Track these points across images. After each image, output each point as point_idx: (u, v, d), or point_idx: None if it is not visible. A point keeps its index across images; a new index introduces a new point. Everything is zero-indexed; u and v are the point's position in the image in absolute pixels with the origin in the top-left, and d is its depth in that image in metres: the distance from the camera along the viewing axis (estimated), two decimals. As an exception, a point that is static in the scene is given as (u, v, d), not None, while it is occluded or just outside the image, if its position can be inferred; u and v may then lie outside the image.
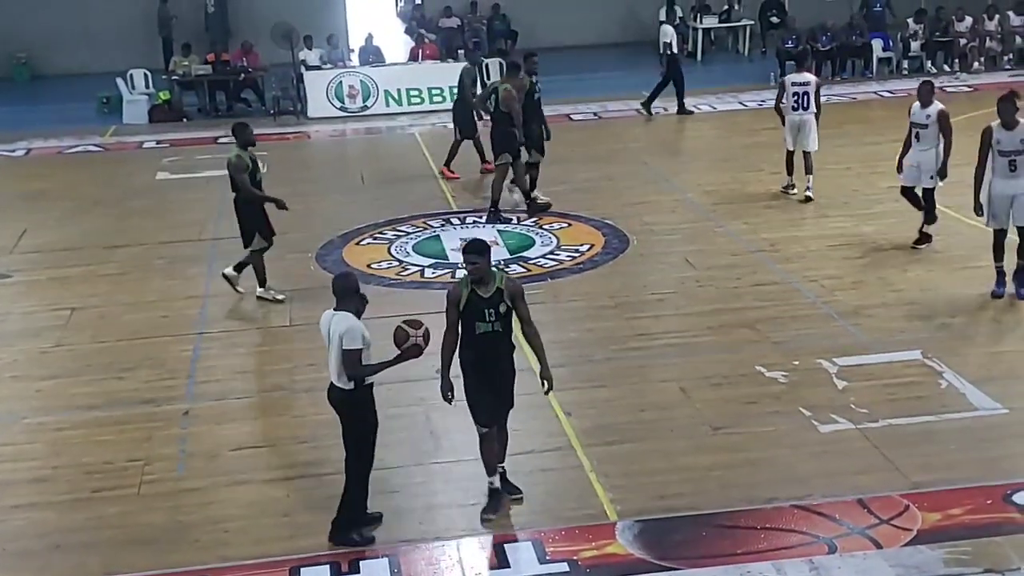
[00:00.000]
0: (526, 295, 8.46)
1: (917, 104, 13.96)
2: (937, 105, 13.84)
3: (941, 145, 13.79)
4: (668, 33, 22.88)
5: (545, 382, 8.50)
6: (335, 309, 8.13)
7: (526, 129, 15.87)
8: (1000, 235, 12.25)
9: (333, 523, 8.28)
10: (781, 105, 16.47)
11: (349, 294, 8.15)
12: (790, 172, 16.49)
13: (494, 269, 8.45)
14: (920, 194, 14.06)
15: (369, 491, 8.39)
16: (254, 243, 13.09)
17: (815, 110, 16.24)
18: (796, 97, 16.23)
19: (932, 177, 13.84)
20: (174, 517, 8.79)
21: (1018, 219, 12.12)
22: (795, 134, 16.29)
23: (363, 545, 8.23)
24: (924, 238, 14.03)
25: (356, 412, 8.18)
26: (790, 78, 16.58)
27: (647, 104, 22.67)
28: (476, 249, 8.26)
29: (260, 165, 13.20)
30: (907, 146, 14.11)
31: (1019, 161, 11.93)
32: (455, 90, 23.79)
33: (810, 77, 16.55)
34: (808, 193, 16.24)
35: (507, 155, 15.74)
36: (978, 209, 12.24)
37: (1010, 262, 12.31)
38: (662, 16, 29.00)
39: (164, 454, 9.77)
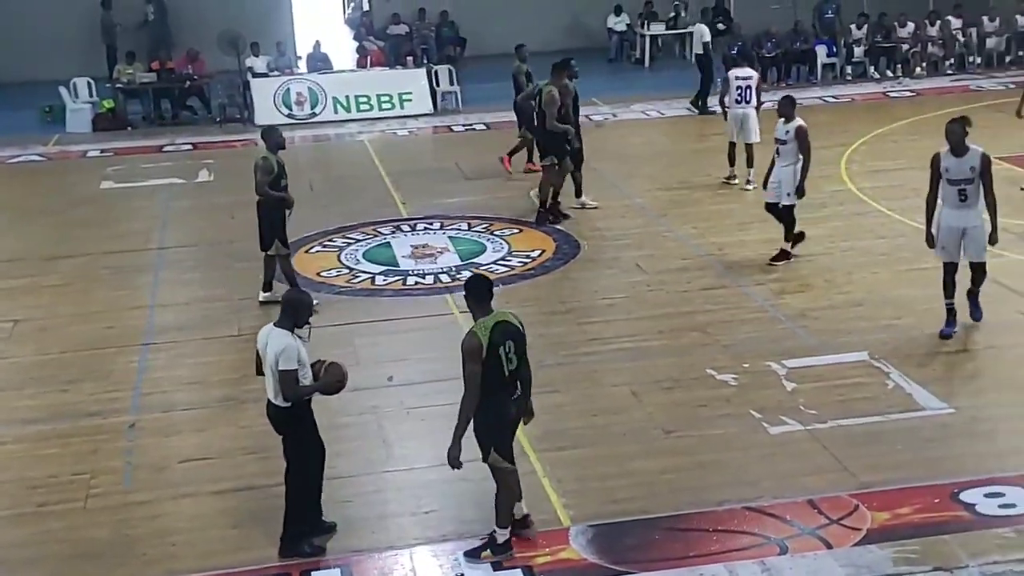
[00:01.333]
0: (470, 359, 7.63)
1: (781, 120, 13.55)
2: (797, 121, 13.38)
3: (800, 163, 13.34)
4: (704, 32, 23.64)
5: (449, 459, 7.83)
6: (275, 323, 8.05)
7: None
8: (950, 269, 11.31)
9: (281, 538, 8.22)
10: (725, 100, 17.17)
11: (291, 309, 8.03)
12: (732, 163, 17.10)
13: (494, 315, 7.76)
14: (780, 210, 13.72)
15: (321, 501, 8.34)
16: (273, 248, 12.84)
17: (756, 104, 17.00)
18: (739, 91, 17.06)
19: (789, 195, 13.41)
20: (121, 531, 8.67)
21: (971, 253, 11.23)
22: (738, 127, 17.03)
23: (313, 556, 8.16)
24: (782, 255, 13.64)
25: (293, 429, 8.11)
26: (733, 72, 17.24)
27: (701, 108, 23.05)
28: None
29: (286, 170, 12.86)
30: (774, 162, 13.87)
31: (969, 191, 10.98)
32: (403, 96, 23.99)
33: (752, 72, 17.45)
34: (749, 186, 16.82)
35: (552, 157, 15.80)
36: (930, 240, 11.35)
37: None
38: (610, 23, 29.20)
39: (110, 467, 9.64)
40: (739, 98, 17.01)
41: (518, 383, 7.98)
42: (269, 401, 8.11)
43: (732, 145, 17.14)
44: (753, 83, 17.06)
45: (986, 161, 10.97)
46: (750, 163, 16.87)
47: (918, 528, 8.18)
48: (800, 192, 13.40)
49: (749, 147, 16.93)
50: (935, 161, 11.10)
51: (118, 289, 14.02)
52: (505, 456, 7.98)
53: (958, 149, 10.98)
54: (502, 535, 8.06)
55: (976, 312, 11.55)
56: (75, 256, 15.34)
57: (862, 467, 9.02)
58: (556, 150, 15.79)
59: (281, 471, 8.22)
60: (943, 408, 10.00)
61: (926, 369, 10.73)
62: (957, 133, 10.97)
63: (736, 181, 17.05)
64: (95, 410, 10.73)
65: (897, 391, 10.35)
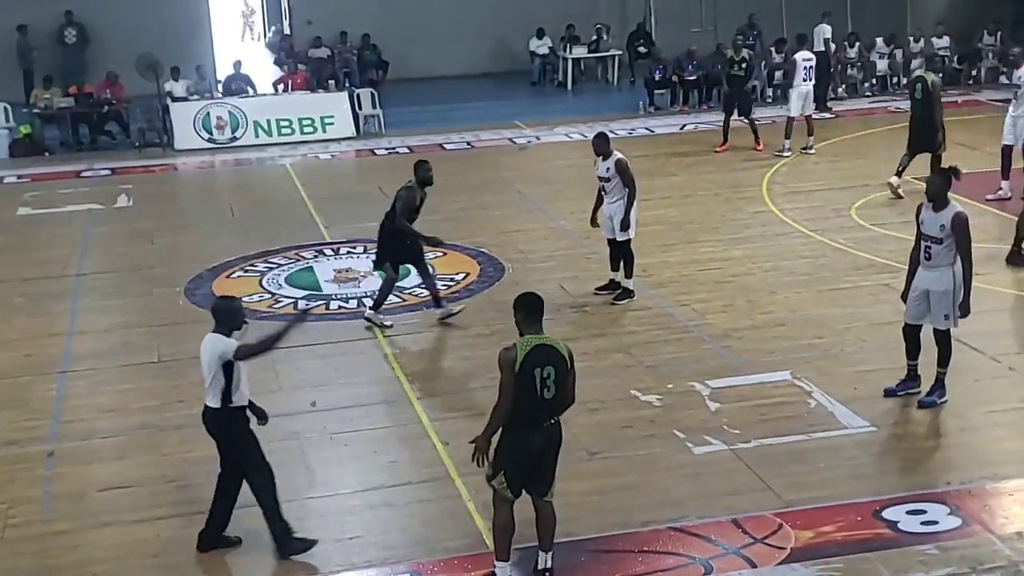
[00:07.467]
0: (503, 370, 7.63)
1: (599, 158, 13.14)
2: (616, 155, 12.98)
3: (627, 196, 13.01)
4: (825, 31, 25.22)
5: (476, 442, 7.76)
6: (213, 331, 8.23)
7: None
8: (907, 332, 10.45)
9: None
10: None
11: (224, 316, 8.30)
12: (787, 136, 20.42)
13: (540, 336, 7.72)
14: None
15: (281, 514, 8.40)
16: (385, 269, 12.87)
17: (814, 81, 20.83)
18: (805, 71, 20.60)
19: (623, 229, 13.10)
20: (41, 561, 8.52)
21: (934, 320, 10.23)
22: (803, 101, 20.52)
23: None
24: (624, 293, 13.33)
25: (228, 431, 8.23)
26: (799, 55, 20.81)
27: (822, 106, 24.06)
28: None
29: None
30: (600, 199, 13.47)
31: (935, 251, 10.04)
32: (325, 120, 23.84)
33: (811, 55, 21.11)
34: (786, 154, 20.29)
35: None
36: (904, 296, 10.47)
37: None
38: (532, 46, 29.27)
39: (29, 496, 9.46)
40: (805, 77, 20.52)
41: (553, 414, 7.80)
42: (206, 406, 8.23)
43: (791, 120, 20.43)
44: (812, 63, 20.71)
45: (958, 222, 9.95)
46: (788, 135, 20.31)
47: (841, 546, 8.25)
48: (625, 224, 13.05)
49: (809, 118, 20.43)
50: (917, 211, 10.30)
51: (36, 316, 13.77)
52: (510, 485, 7.78)
53: (936, 202, 10.08)
54: (501, 568, 7.88)
55: (928, 398, 10.40)
56: (-9, 283, 15.07)
57: (785, 486, 9.09)
58: None
59: (202, 498, 8.12)
60: (865, 426, 10.12)
61: (848, 388, 10.84)
62: (934, 184, 10.22)
63: (812, 151, 20.32)
64: (13, 439, 10.53)
65: (819, 410, 10.45)
